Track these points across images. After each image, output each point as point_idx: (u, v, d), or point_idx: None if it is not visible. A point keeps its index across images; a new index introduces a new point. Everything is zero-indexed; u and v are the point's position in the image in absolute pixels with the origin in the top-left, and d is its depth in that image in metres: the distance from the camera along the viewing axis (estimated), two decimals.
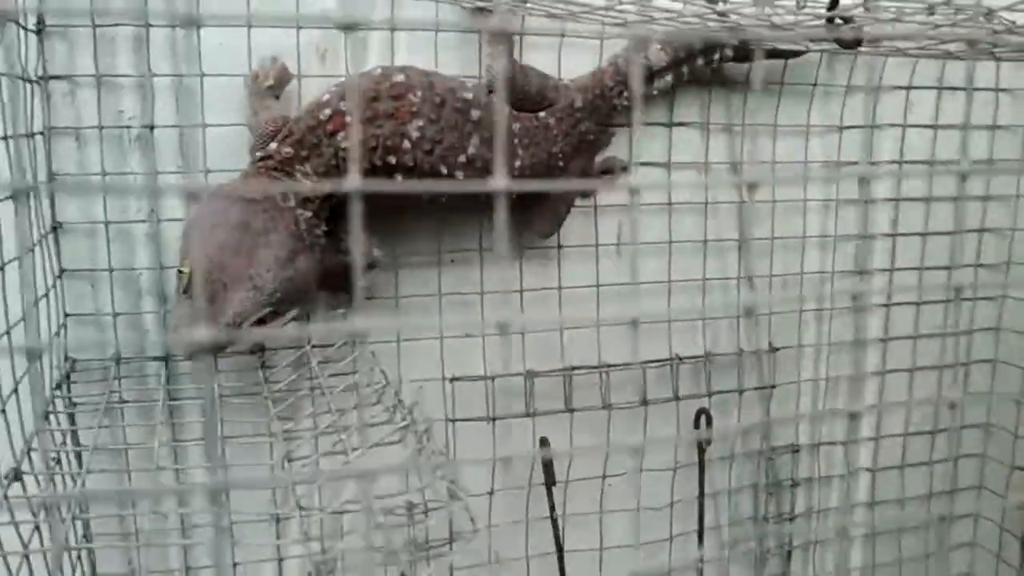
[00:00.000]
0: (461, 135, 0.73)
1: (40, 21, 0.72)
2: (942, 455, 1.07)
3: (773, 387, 0.97)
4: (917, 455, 1.06)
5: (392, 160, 0.72)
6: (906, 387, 1.03)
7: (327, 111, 0.71)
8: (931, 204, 0.99)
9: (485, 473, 0.87)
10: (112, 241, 0.76)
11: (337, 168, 0.71)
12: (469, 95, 0.75)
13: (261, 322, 0.70)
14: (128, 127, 0.76)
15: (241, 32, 0.76)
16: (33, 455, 0.55)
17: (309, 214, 0.71)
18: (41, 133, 0.73)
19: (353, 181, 0.28)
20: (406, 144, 0.72)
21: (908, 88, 0.96)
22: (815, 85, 0.93)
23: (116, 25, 0.74)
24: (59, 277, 0.75)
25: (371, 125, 0.71)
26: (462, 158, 0.73)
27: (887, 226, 0.99)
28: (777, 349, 0.97)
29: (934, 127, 0.98)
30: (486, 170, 0.75)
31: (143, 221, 0.77)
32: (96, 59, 0.74)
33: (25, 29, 0.70)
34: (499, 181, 0.29)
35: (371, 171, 0.72)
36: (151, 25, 0.74)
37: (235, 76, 0.76)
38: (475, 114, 0.74)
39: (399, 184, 0.70)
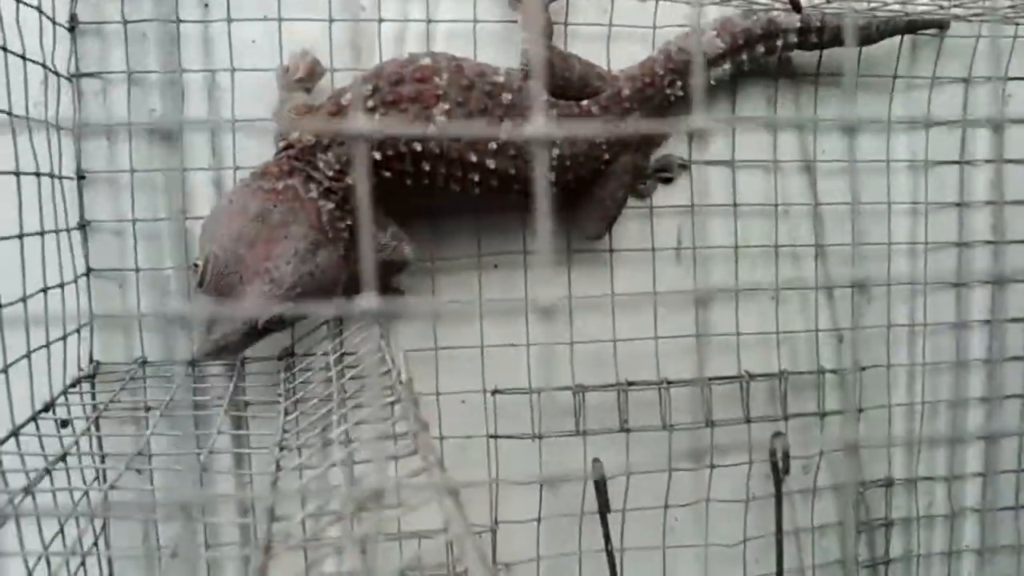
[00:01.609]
0: (491, 120, 0.69)
1: (73, 18, 0.72)
2: None
3: (860, 411, 0.88)
4: None
5: (417, 146, 0.67)
6: (1018, 414, 0.91)
7: (348, 96, 0.68)
8: None
9: (531, 497, 0.80)
10: (140, 241, 0.75)
11: None
12: (500, 79, 0.71)
13: (281, 322, 0.66)
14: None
15: (275, 28, 0.74)
16: None
17: (332, 206, 0.68)
18: (71, 129, 0.72)
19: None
20: (432, 129, 0.67)
21: (1005, 79, 0.87)
22: (895, 77, 0.85)
23: (147, 21, 0.73)
24: (86, 276, 0.73)
25: (395, 109, 0.67)
26: (492, 144, 0.69)
27: (987, 232, 0.88)
28: (864, 368, 0.87)
29: None
30: (519, 157, 0.70)
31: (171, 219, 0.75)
32: (127, 56, 0.73)
33: (55, 23, 0.70)
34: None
35: (395, 157, 0.68)
36: (181, 21, 0.73)
37: (267, 71, 0.74)
38: (507, 98, 0.69)
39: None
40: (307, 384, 0.64)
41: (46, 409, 0.61)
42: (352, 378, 0.58)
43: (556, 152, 0.71)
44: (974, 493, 0.92)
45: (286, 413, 0.62)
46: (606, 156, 0.74)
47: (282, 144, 0.69)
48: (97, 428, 0.68)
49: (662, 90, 0.76)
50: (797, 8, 0.62)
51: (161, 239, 0.75)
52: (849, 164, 0.85)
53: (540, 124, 0.28)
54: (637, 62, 0.78)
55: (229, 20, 0.73)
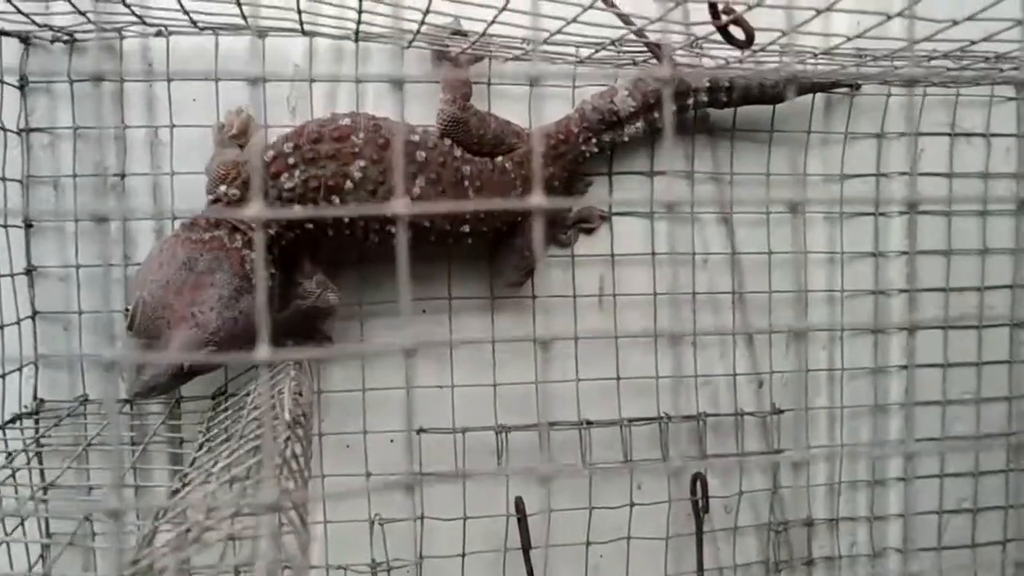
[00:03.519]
0: (406, 176, 0.73)
1: (23, 77, 0.77)
2: (989, 536, 0.96)
3: (779, 452, 0.91)
4: (957, 535, 0.96)
5: (336, 200, 0.72)
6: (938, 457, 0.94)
7: (271, 153, 0.72)
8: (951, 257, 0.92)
9: (456, 533, 0.84)
10: (85, 286, 0.79)
11: (282, 209, 0.72)
12: (416, 137, 0.75)
13: (206, 364, 0.70)
14: (104, 175, 0.80)
15: (213, 87, 0.79)
16: None
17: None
18: (20, 181, 0.78)
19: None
20: (348, 184, 0.72)
21: (916, 134, 0.91)
22: (809, 132, 0.89)
23: (93, 80, 0.78)
24: (32, 318, 0.78)
25: (313, 166, 0.72)
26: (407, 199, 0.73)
27: (901, 281, 0.92)
28: (782, 411, 0.91)
29: (949, 175, 0.92)
30: None
31: (116, 265, 0.80)
32: (74, 113, 0.78)
33: (4, 82, 0.75)
34: (399, 205, 0.28)
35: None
36: (126, 80, 0.79)
37: (205, 127, 0.79)
38: (421, 155, 0.74)
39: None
40: (223, 423, 0.68)
41: None
42: (253, 419, 0.62)
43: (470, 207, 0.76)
44: (896, 533, 0.95)
45: (199, 448, 0.66)
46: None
47: (210, 198, 0.74)
48: (40, 460, 0.74)
49: (577, 147, 0.81)
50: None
51: (105, 284, 0.79)
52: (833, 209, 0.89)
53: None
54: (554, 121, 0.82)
55: (170, 80, 0.78)
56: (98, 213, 0.30)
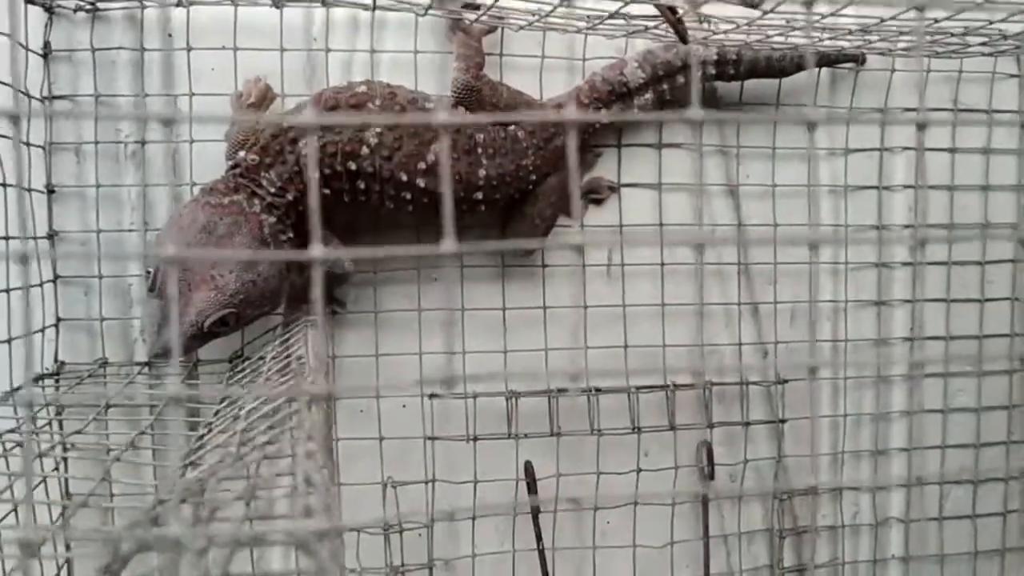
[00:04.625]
0: (421, 142, 0.75)
1: (47, 45, 0.79)
2: (990, 507, 0.98)
3: (783, 421, 0.92)
4: (958, 505, 0.97)
5: (352, 166, 0.74)
6: (940, 428, 0.96)
7: (288, 120, 0.74)
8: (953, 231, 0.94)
9: (467, 496, 0.86)
10: (105, 251, 0.81)
11: (299, 174, 0.74)
12: (431, 105, 0.77)
13: (224, 323, 0.72)
14: (124, 143, 0.81)
15: (231, 56, 0.81)
16: None
17: (273, 219, 0.74)
18: (43, 147, 0.79)
19: None
20: (364, 150, 0.74)
21: (920, 109, 0.92)
22: (816, 107, 0.91)
23: (115, 49, 0.80)
24: (53, 282, 0.80)
25: (330, 132, 0.74)
26: (422, 165, 0.75)
27: (906, 254, 0.94)
28: (786, 381, 0.92)
29: (952, 151, 0.93)
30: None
31: (134, 230, 0.81)
32: (96, 81, 0.80)
33: (28, 50, 0.77)
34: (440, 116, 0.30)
35: (333, 176, 0.74)
36: (146, 50, 0.80)
37: (223, 96, 0.81)
38: None
39: None
40: (241, 382, 0.70)
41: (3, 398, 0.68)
42: (275, 371, 0.63)
43: (482, 173, 0.77)
44: (899, 503, 0.97)
45: (221, 402, 0.68)
46: (533, 176, 0.80)
47: (230, 163, 0.76)
48: (60, 420, 0.75)
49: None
50: (684, 39, 0.68)
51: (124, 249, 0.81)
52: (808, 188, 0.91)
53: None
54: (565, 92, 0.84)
55: (189, 49, 0.80)
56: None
